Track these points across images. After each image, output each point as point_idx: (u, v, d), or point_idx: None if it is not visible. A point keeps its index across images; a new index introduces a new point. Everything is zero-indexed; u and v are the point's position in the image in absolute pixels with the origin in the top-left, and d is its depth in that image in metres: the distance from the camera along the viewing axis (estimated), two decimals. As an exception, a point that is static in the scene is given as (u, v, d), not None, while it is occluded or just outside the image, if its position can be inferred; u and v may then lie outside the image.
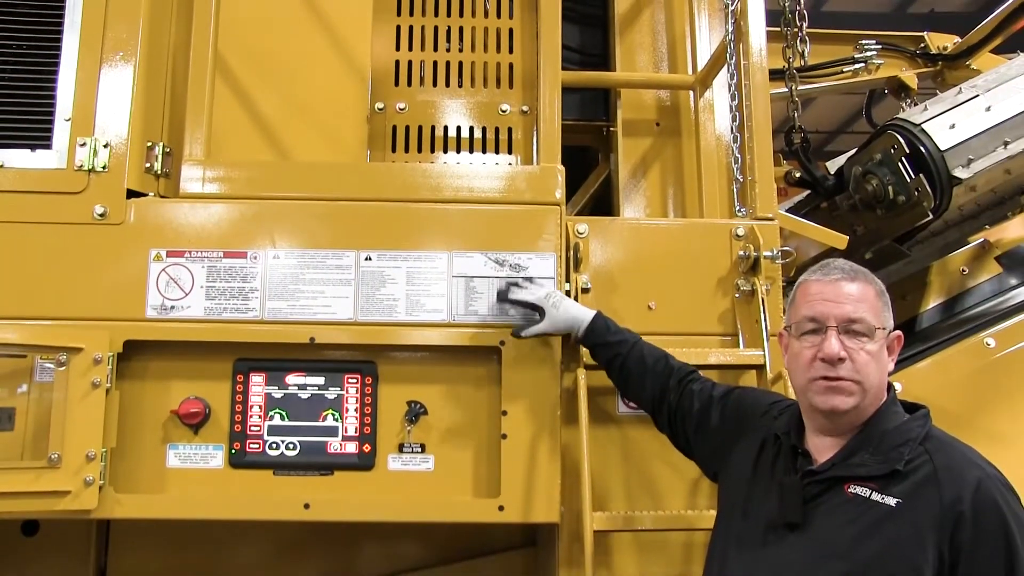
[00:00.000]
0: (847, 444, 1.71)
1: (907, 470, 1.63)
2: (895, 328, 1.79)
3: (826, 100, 12.87)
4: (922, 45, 4.40)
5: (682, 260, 2.54)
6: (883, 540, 1.59)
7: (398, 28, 2.91)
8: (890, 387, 1.76)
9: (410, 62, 2.90)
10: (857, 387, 1.68)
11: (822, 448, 1.75)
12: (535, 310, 2.33)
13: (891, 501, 1.61)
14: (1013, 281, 3.42)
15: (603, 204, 3.37)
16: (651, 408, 2.22)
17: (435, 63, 2.90)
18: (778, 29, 3.38)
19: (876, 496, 1.63)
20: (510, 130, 2.85)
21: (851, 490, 1.66)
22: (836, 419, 1.71)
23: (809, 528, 1.67)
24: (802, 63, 3.41)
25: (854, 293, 1.71)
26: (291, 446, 2.37)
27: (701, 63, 3.22)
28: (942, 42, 4.39)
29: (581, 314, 2.30)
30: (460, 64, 2.89)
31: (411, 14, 2.93)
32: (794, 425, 1.83)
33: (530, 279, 2.40)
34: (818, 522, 1.67)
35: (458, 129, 2.85)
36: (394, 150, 2.83)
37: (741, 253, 2.50)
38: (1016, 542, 1.55)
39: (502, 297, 2.38)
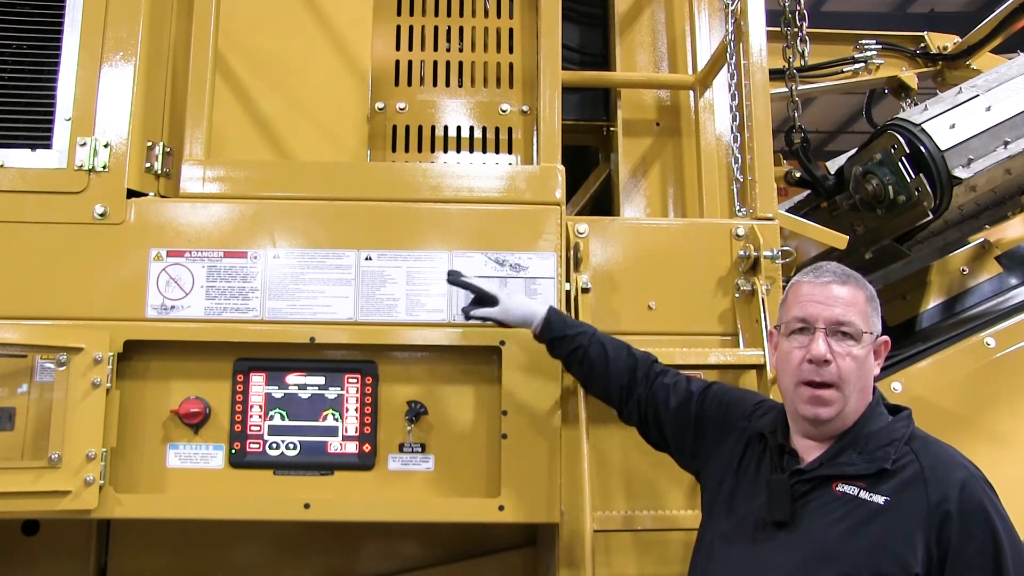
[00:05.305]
0: (834, 444, 1.74)
1: (894, 469, 1.66)
2: (888, 331, 1.82)
3: (826, 100, 12.90)
4: (922, 45, 4.40)
5: (682, 260, 2.54)
6: (872, 537, 1.61)
7: (398, 28, 2.91)
8: (875, 389, 1.78)
9: (410, 62, 2.90)
10: (839, 395, 1.71)
11: (809, 447, 1.77)
12: (486, 299, 2.28)
13: (879, 499, 1.64)
14: (1013, 281, 3.42)
15: (603, 204, 3.37)
16: (617, 399, 2.18)
17: (435, 63, 2.90)
18: (778, 29, 3.38)
19: (864, 494, 1.66)
20: (510, 130, 2.85)
21: (839, 489, 1.68)
22: (819, 426, 1.74)
23: (798, 527, 1.69)
24: (802, 63, 3.40)
25: (844, 296, 1.73)
26: (291, 446, 2.37)
27: (701, 63, 3.22)
28: (942, 42, 4.39)
29: (535, 307, 2.26)
30: (460, 64, 2.90)
31: (411, 14, 2.93)
32: (780, 424, 1.85)
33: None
34: (807, 520, 1.69)
35: (458, 129, 2.86)
36: (394, 150, 2.83)
37: (741, 253, 2.50)
38: (1002, 538, 1.60)
39: (453, 279, 2.32)
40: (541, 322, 2.24)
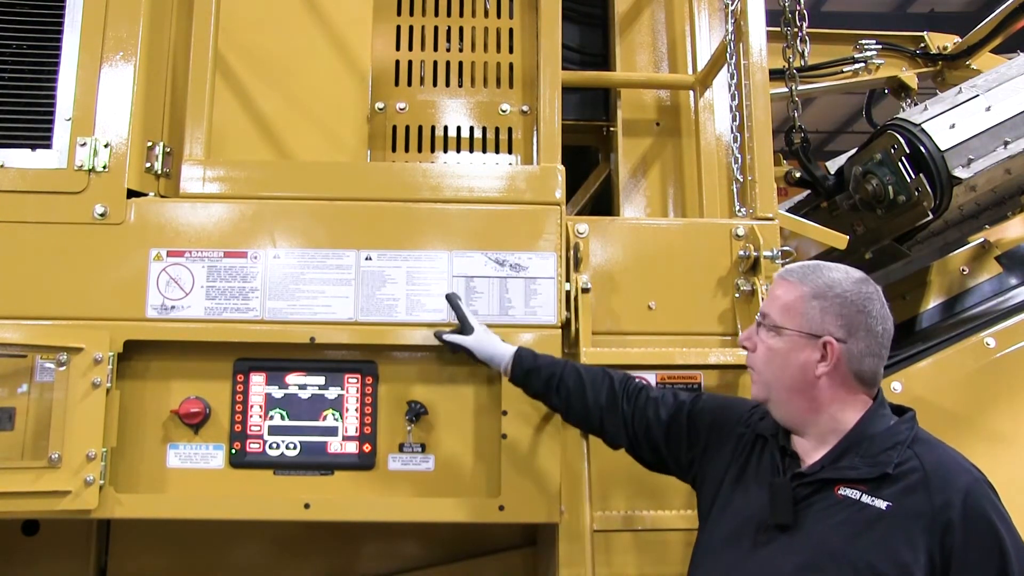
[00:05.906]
0: (836, 446, 1.73)
1: (897, 473, 1.66)
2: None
3: (826, 100, 12.90)
4: (922, 45, 4.40)
5: (682, 260, 2.54)
6: (874, 541, 1.61)
7: (398, 28, 2.92)
8: (878, 391, 1.78)
9: (410, 62, 2.90)
10: (757, 376, 1.83)
11: (809, 450, 1.77)
12: (465, 329, 2.30)
13: (881, 504, 1.64)
14: (1013, 281, 3.42)
15: (603, 204, 3.37)
16: (598, 420, 2.15)
17: (435, 63, 2.90)
18: (778, 29, 3.38)
19: (866, 498, 1.65)
20: (510, 130, 2.85)
21: (841, 492, 1.68)
22: (770, 409, 1.82)
23: (800, 529, 1.69)
24: (802, 63, 3.40)
25: (775, 291, 1.83)
26: (291, 446, 2.37)
27: (701, 63, 3.22)
28: (942, 42, 4.39)
29: (505, 349, 2.25)
30: (460, 64, 2.90)
31: (411, 14, 2.93)
32: (781, 427, 1.84)
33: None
34: (809, 523, 1.69)
35: (458, 129, 2.86)
36: (394, 150, 2.83)
37: (741, 253, 2.51)
38: (1006, 544, 1.59)
39: (451, 298, 2.36)
40: (511, 359, 2.23)
